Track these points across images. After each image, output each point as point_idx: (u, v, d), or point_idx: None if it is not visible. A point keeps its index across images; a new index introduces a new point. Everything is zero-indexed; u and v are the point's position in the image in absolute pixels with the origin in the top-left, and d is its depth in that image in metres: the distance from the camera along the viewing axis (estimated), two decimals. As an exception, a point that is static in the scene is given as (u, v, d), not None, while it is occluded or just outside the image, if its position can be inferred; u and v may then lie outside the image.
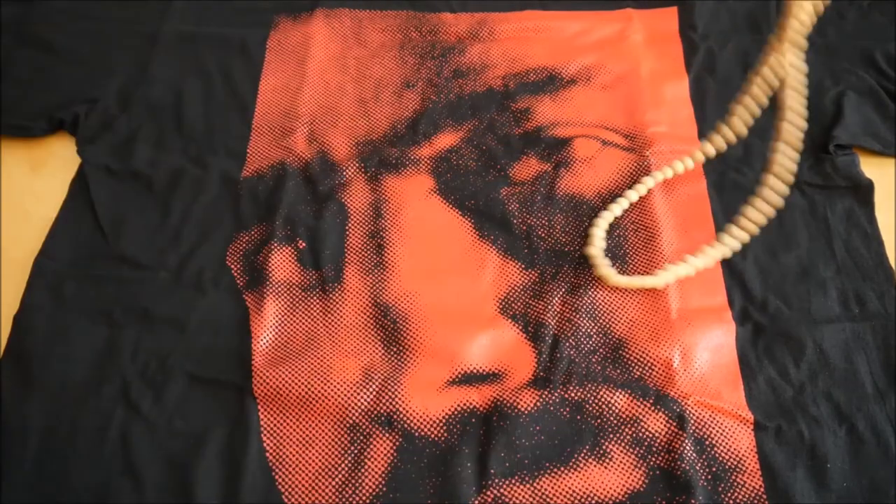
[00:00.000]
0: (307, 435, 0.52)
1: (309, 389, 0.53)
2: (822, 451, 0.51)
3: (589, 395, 0.53)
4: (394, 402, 0.53)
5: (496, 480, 0.50)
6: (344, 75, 0.71)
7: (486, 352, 0.55)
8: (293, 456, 0.51)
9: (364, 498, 0.50)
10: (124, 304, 0.57)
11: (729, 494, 0.50)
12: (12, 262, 0.61)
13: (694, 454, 0.51)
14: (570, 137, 0.67)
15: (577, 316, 0.57)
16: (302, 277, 0.59)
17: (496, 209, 0.62)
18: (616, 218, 0.61)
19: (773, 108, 0.63)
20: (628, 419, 0.52)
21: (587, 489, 0.50)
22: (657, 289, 0.57)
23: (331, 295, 0.58)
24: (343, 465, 0.51)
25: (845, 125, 0.66)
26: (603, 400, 0.53)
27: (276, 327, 0.57)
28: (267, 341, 0.56)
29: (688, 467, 0.50)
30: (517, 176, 0.64)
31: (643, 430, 0.52)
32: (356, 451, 0.51)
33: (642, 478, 0.50)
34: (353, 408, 0.53)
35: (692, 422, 0.52)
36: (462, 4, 0.76)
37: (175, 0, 0.76)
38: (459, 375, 0.54)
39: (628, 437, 0.52)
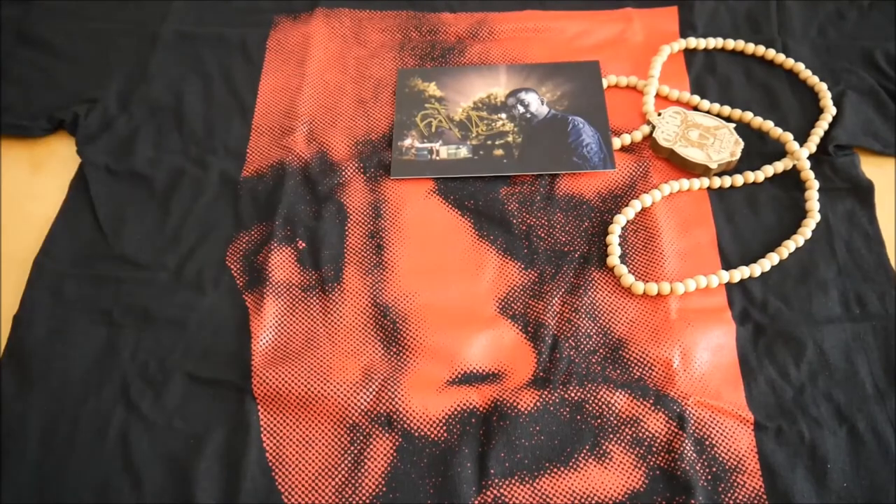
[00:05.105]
0: (307, 435, 0.52)
1: (309, 389, 0.53)
2: (823, 452, 0.51)
3: (589, 396, 0.53)
4: (394, 402, 0.53)
5: (496, 480, 0.50)
6: (343, 75, 0.71)
7: (486, 352, 0.55)
8: (293, 456, 0.51)
9: (364, 498, 0.50)
10: (124, 304, 0.58)
11: (729, 494, 0.50)
12: (12, 262, 0.61)
13: (694, 454, 0.51)
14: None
15: (577, 316, 0.57)
16: (302, 278, 0.59)
17: (496, 209, 0.62)
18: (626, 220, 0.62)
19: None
20: (628, 419, 0.52)
21: (587, 489, 0.50)
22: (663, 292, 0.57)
23: (330, 295, 0.58)
24: (343, 466, 0.51)
25: (845, 125, 0.66)
26: (603, 400, 0.53)
27: (276, 327, 0.57)
28: (267, 341, 0.56)
29: (688, 467, 0.50)
30: (516, 175, 0.64)
31: (643, 430, 0.52)
32: (356, 452, 0.51)
33: (642, 478, 0.50)
34: (352, 408, 0.53)
35: (692, 422, 0.52)
36: (462, 4, 0.76)
37: (175, 0, 0.76)
38: (459, 375, 0.54)
39: (628, 437, 0.52)
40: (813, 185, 0.62)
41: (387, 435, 0.52)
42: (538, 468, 0.51)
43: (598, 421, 0.52)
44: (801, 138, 0.66)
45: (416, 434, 0.52)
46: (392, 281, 0.59)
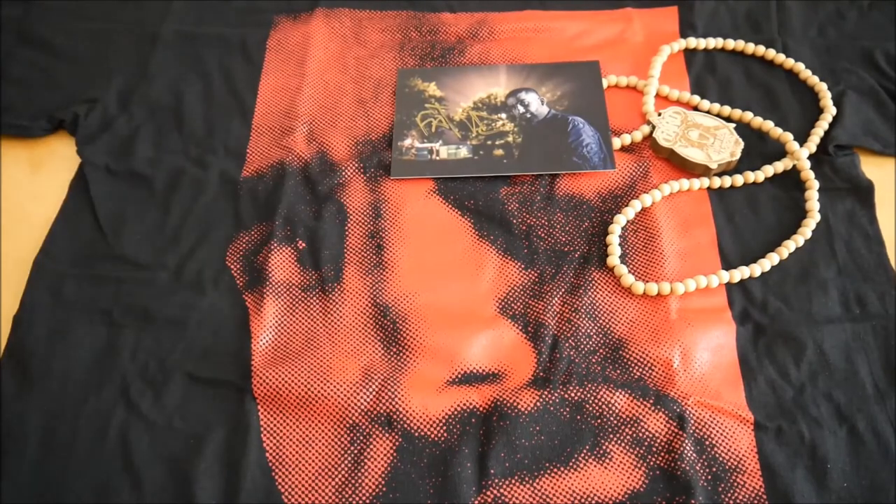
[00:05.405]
0: (307, 435, 0.52)
1: (309, 389, 0.53)
2: (823, 452, 0.51)
3: (589, 396, 0.53)
4: (393, 402, 0.53)
5: (496, 480, 0.50)
6: (343, 75, 0.71)
7: (486, 352, 0.55)
8: (293, 456, 0.51)
9: (364, 498, 0.50)
10: (124, 304, 0.58)
11: (729, 494, 0.50)
12: (12, 262, 0.61)
13: (694, 454, 0.51)
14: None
15: (577, 316, 0.57)
16: (302, 278, 0.59)
17: (496, 209, 0.62)
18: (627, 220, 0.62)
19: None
20: (628, 419, 0.52)
21: (587, 489, 0.50)
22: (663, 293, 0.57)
23: (330, 295, 0.58)
24: (343, 465, 0.51)
25: (845, 125, 0.66)
26: (603, 400, 0.53)
27: (276, 327, 0.57)
28: (267, 341, 0.56)
29: (688, 467, 0.50)
30: (517, 175, 0.64)
31: (643, 430, 0.52)
32: (356, 451, 0.51)
33: (642, 478, 0.50)
34: (352, 408, 0.53)
35: (692, 422, 0.52)
36: (462, 4, 0.76)
37: (175, 0, 0.76)
38: (459, 375, 0.54)
39: (628, 437, 0.52)
40: (813, 185, 0.62)
41: (387, 435, 0.52)
42: (538, 468, 0.51)
43: (598, 421, 0.52)
44: (801, 138, 0.66)
45: (416, 434, 0.52)
46: (392, 281, 0.59)
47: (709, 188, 0.64)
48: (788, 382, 0.54)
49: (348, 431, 0.52)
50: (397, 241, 0.61)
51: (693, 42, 0.72)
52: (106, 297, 0.58)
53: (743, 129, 0.67)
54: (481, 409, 0.53)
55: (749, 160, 0.65)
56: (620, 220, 0.61)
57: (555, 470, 0.51)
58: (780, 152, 0.65)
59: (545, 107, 0.68)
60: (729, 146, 0.64)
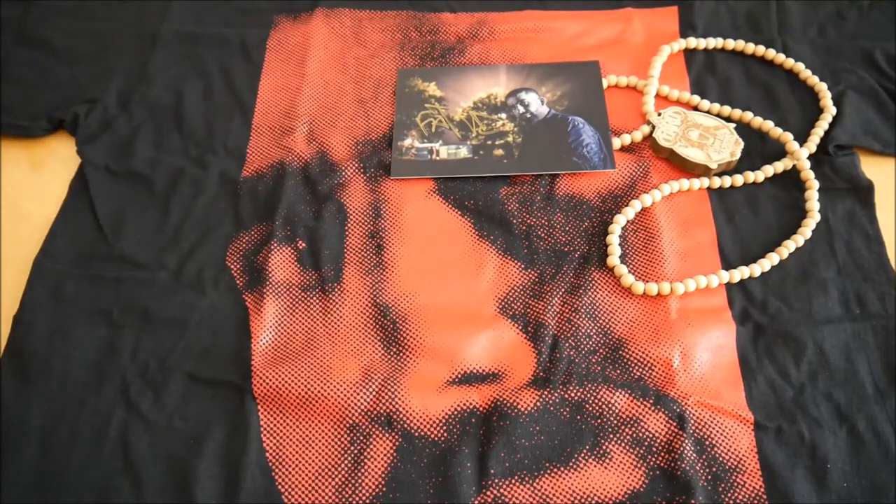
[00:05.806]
0: (307, 435, 0.52)
1: (309, 389, 0.53)
2: (823, 452, 0.51)
3: (589, 396, 0.53)
4: (393, 402, 0.53)
5: (496, 480, 0.50)
6: (343, 75, 0.71)
7: (486, 352, 0.55)
8: (293, 456, 0.51)
9: (364, 498, 0.50)
10: (124, 304, 0.58)
11: (729, 494, 0.50)
12: (12, 262, 0.61)
13: (694, 454, 0.51)
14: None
15: (577, 316, 0.57)
16: (302, 277, 0.59)
17: (496, 209, 0.62)
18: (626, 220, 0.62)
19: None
20: (628, 419, 0.52)
21: (587, 489, 0.50)
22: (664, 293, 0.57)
23: (330, 295, 0.58)
24: (343, 465, 0.51)
25: (845, 125, 0.66)
26: (603, 400, 0.53)
27: (276, 327, 0.57)
28: (267, 341, 0.56)
29: (688, 467, 0.50)
30: (517, 175, 0.64)
31: (643, 430, 0.52)
32: (356, 451, 0.51)
33: (642, 478, 0.50)
34: (352, 408, 0.53)
35: (692, 422, 0.52)
36: (462, 4, 0.76)
37: (175, 0, 0.76)
38: (459, 375, 0.54)
39: (628, 437, 0.52)
40: (813, 185, 0.62)
41: (387, 435, 0.52)
42: (538, 468, 0.51)
43: (598, 421, 0.52)
44: (801, 138, 0.66)
45: (416, 434, 0.52)
46: (392, 281, 0.59)
47: (709, 188, 0.64)
48: (788, 382, 0.54)
49: (348, 431, 0.52)
50: (397, 241, 0.61)
51: (693, 42, 0.72)
52: (106, 297, 0.58)
53: (743, 129, 0.67)
54: (481, 409, 0.53)
55: (749, 160, 0.65)
56: (620, 220, 0.61)
57: (555, 470, 0.51)
58: (780, 152, 0.65)
59: (545, 107, 0.68)
60: (729, 146, 0.64)
